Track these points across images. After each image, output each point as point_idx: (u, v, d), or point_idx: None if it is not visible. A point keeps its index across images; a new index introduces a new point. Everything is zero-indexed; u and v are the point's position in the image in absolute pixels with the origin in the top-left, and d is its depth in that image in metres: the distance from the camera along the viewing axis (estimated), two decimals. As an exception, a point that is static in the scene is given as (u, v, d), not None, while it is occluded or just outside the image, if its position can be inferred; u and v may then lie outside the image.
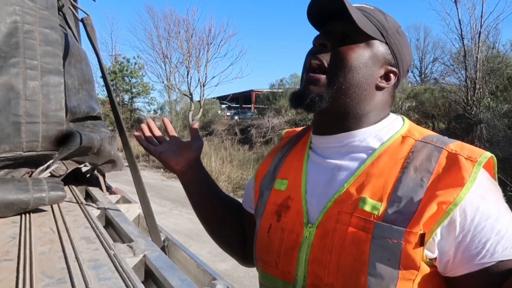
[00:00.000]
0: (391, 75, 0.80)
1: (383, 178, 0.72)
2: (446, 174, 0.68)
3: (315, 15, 0.81)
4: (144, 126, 1.06)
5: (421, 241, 0.65)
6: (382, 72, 0.79)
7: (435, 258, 0.66)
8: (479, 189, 0.66)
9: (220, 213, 1.03)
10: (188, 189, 1.03)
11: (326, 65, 0.76)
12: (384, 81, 0.80)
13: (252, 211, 0.98)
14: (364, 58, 0.77)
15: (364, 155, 0.77)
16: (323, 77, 0.77)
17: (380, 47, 0.78)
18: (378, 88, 0.79)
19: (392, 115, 0.84)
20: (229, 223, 1.03)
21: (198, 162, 1.04)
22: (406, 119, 0.84)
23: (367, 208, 0.69)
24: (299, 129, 1.01)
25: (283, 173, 0.89)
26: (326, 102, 0.77)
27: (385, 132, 0.79)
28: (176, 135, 1.08)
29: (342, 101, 0.78)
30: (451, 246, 0.65)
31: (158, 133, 1.06)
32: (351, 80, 0.76)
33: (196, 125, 1.10)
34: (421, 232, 0.65)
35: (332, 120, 0.80)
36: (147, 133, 1.04)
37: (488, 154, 0.71)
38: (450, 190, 0.65)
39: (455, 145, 0.72)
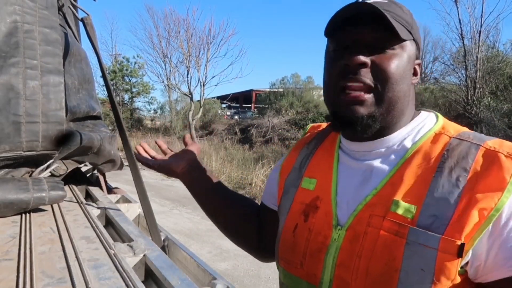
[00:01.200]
0: (417, 67, 0.77)
1: (417, 180, 0.67)
2: (484, 173, 0.62)
3: (339, 21, 0.72)
4: (138, 147, 1.08)
5: (459, 252, 0.60)
6: (412, 69, 0.75)
7: (467, 263, 0.62)
8: None
9: (229, 209, 1.02)
10: (193, 188, 1.03)
11: (371, 84, 0.70)
12: (414, 77, 0.76)
13: (274, 207, 0.95)
14: (404, 65, 0.71)
15: (396, 157, 0.73)
16: (369, 96, 0.70)
17: (410, 47, 0.73)
18: (412, 86, 0.76)
19: (423, 113, 0.80)
20: (239, 218, 1.01)
21: (198, 162, 1.05)
22: (440, 116, 0.79)
23: (400, 211, 0.65)
24: (325, 124, 0.97)
25: (311, 172, 0.86)
26: (378, 123, 0.72)
27: (417, 131, 0.75)
28: (171, 150, 1.10)
29: (391, 115, 0.72)
30: (483, 249, 0.61)
31: (152, 153, 1.08)
32: (399, 93, 0.71)
33: (188, 136, 1.14)
34: (461, 242, 0.60)
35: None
36: (143, 153, 1.06)
37: None
38: (490, 194, 0.60)
39: (493, 142, 0.67)
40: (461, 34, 12.32)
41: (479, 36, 11.95)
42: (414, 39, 0.74)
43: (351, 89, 0.70)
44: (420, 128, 0.75)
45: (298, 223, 0.80)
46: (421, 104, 13.86)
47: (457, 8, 12.22)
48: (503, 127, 10.20)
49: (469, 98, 11.93)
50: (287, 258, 0.81)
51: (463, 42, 12.35)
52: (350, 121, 0.72)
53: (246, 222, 1.01)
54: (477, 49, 11.87)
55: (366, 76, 0.69)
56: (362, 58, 0.69)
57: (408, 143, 0.74)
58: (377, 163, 0.75)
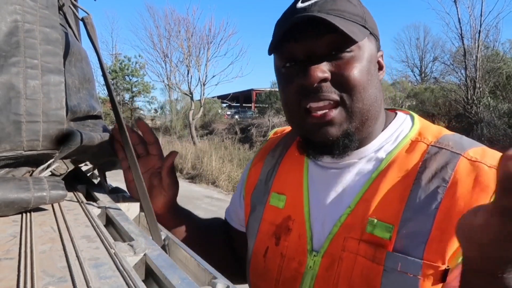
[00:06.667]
0: (380, 59, 0.68)
1: (393, 194, 0.60)
2: (466, 186, 0.56)
3: (284, 33, 0.63)
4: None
5: (443, 277, 0.54)
6: (377, 66, 0.67)
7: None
8: None
9: (207, 243, 0.86)
10: (171, 229, 0.85)
11: (337, 98, 0.61)
12: (380, 71, 0.68)
13: (242, 229, 0.84)
14: (367, 66, 0.62)
15: (370, 168, 0.65)
16: (337, 112, 0.61)
17: (368, 43, 0.64)
18: (379, 83, 0.67)
19: (400, 116, 0.72)
20: (219, 249, 0.88)
21: (175, 203, 0.86)
22: (416, 118, 0.71)
23: (377, 232, 0.59)
24: (290, 128, 0.83)
25: (279, 186, 0.75)
26: (356, 139, 0.63)
27: (395, 138, 0.67)
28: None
29: (367, 125, 0.64)
30: None
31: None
32: (369, 100, 0.62)
33: (171, 159, 0.82)
34: (445, 267, 0.54)
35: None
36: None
37: None
38: (474, 205, 0.53)
39: (475, 151, 0.60)
40: (461, 34, 12.31)
41: (479, 36, 11.94)
42: (370, 33, 0.64)
43: (316, 109, 0.61)
44: (397, 134, 0.68)
45: (269, 246, 0.72)
46: (421, 104, 13.85)
47: (457, 8, 12.22)
48: (503, 126, 10.20)
49: (469, 97, 11.92)
50: (259, 285, 0.73)
51: (462, 42, 12.35)
52: (325, 146, 0.63)
53: (225, 251, 0.89)
54: (476, 49, 11.87)
55: (329, 90, 0.61)
56: (320, 73, 0.59)
57: (383, 153, 0.66)
58: (350, 176, 0.66)
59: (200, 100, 17.45)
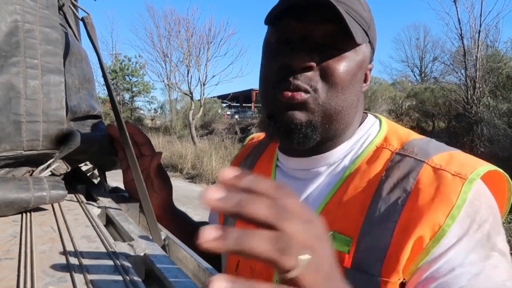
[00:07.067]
0: (368, 72, 0.66)
1: (354, 206, 0.57)
2: (426, 198, 0.52)
3: (285, 9, 0.60)
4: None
5: None
6: (364, 75, 0.65)
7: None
8: (465, 219, 0.50)
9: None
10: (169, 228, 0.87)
11: (313, 87, 0.59)
12: (364, 83, 0.66)
13: None
14: (355, 70, 0.60)
15: (335, 177, 0.63)
16: (309, 96, 0.59)
17: (365, 50, 0.62)
18: (361, 94, 0.66)
19: (369, 119, 0.69)
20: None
21: (171, 204, 0.87)
22: (384, 122, 0.68)
23: (336, 245, 0.55)
24: (264, 135, 0.81)
25: None
26: (318, 134, 0.60)
27: (361, 143, 0.64)
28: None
29: (334, 127, 0.62)
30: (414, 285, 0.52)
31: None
32: (344, 102, 0.60)
33: (157, 159, 0.81)
34: (402, 280, 0.52)
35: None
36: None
37: (484, 168, 0.53)
38: (431, 219, 0.50)
39: (440, 157, 0.56)
40: (461, 34, 12.31)
41: (479, 36, 11.94)
42: (369, 41, 0.62)
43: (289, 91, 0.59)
44: (364, 139, 0.65)
45: (240, 260, 0.70)
46: (421, 104, 13.86)
47: (456, 8, 12.20)
48: (503, 126, 10.20)
49: (469, 97, 11.93)
50: None
51: (462, 42, 12.35)
52: (287, 129, 0.60)
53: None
54: (476, 49, 11.87)
55: (308, 82, 0.58)
56: (308, 61, 0.57)
57: (347, 161, 0.63)
58: (314, 186, 0.64)
59: (200, 100, 17.44)
